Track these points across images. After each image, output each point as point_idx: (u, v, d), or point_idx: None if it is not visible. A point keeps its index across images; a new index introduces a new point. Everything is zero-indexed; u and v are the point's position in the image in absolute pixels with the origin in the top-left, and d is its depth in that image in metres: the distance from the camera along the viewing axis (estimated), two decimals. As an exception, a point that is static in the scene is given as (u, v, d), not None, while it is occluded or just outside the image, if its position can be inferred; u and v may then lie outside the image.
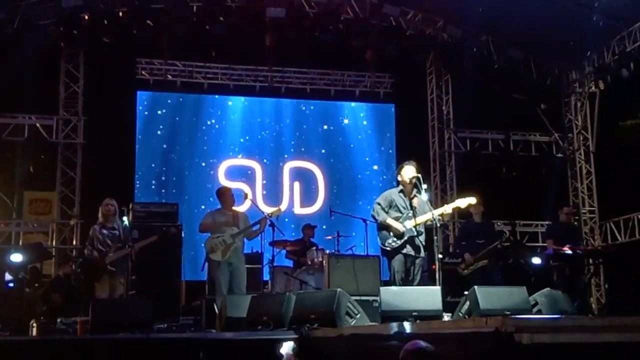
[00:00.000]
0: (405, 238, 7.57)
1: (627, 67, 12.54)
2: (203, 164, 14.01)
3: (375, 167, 14.78)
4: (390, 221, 7.64)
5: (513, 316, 4.69)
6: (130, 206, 10.65)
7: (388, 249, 7.65)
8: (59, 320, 8.76)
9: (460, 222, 12.56)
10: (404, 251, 7.60)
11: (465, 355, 4.04)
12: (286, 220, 12.85)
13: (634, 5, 11.78)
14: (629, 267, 12.20)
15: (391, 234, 7.64)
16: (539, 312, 6.92)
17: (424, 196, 7.81)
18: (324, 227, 12.61)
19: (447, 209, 7.99)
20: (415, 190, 7.80)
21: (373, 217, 7.93)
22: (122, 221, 8.97)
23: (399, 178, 7.88)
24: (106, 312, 7.44)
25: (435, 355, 3.54)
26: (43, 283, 10.93)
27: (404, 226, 7.58)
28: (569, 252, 9.95)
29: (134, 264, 8.66)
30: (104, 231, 8.74)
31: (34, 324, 8.75)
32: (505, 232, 12.68)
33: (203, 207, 12.60)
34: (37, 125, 12.96)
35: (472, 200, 8.01)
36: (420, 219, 7.61)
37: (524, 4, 12.01)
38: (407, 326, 4.78)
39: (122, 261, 8.57)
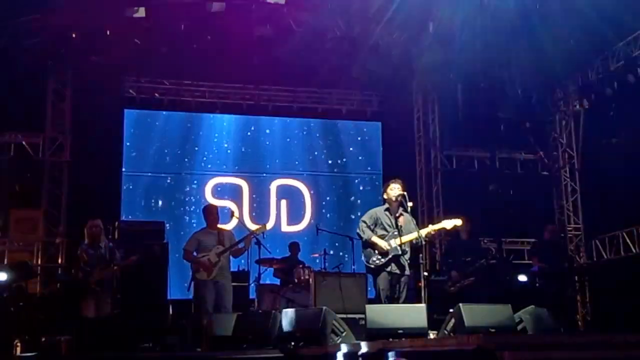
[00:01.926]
0: (390, 256, 7.60)
1: (610, 86, 12.68)
2: (190, 182, 13.99)
3: (362, 186, 14.80)
4: (375, 239, 7.67)
5: (495, 334, 4.72)
6: (117, 224, 10.63)
7: (372, 266, 7.68)
8: (43, 339, 8.71)
9: (447, 240, 12.60)
10: (389, 269, 7.62)
11: (448, 373, 4.06)
12: (277, 236, 12.88)
13: (617, 25, 11.92)
14: (614, 284, 12.27)
15: (375, 251, 7.68)
16: (524, 329, 6.95)
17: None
18: (311, 242, 12.62)
19: (433, 229, 8.05)
20: (401, 209, 7.84)
21: (358, 234, 7.96)
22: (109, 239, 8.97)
23: (385, 196, 7.93)
24: (90, 331, 7.40)
25: None
26: (28, 302, 10.86)
27: (389, 244, 7.61)
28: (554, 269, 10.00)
29: (118, 283, 8.62)
30: (91, 251, 8.73)
31: (18, 343, 8.70)
32: (492, 249, 12.72)
33: (190, 223, 12.59)
34: (24, 143, 12.93)
35: (458, 222, 8.10)
36: (406, 238, 7.65)
37: (510, 24, 12.12)
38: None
39: (108, 280, 8.55)
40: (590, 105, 13.75)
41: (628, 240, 13.21)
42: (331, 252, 11.32)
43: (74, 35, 12.23)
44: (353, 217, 13.63)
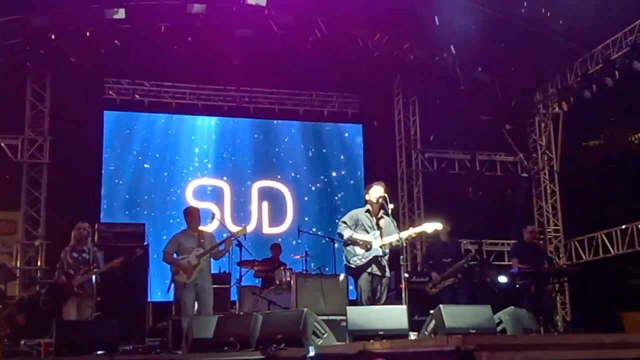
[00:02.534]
0: (371, 257, 7.62)
1: (589, 88, 12.79)
2: (170, 184, 13.95)
3: (343, 188, 14.82)
4: (356, 235, 7.70)
5: (474, 334, 4.75)
6: (96, 226, 10.57)
7: (353, 266, 7.70)
8: (22, 342, 8.66)
9: (427, 242, 12.64)
10: (369, 270, 7.64)
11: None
12: (258, 238, 12.86)
13: (595, 28, 12.05)
14: (593, 285, 12.38)
15: (357, 250, 7.69)
16: (504, 330, 7.00)
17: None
18: (294, 243, 12.62)
19: (413, 232, 8.08)
20: (381, 211, 7.86)
21: (339, 234, 7.96)
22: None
23: (367, 197, 7.94)
24: (70, 333, 7.34)
25: None
26: (7, 305, 10.76)
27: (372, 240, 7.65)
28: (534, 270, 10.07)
29: (99, 285, 8.57)
30: (74, 254, 8.70)
31: (-3, 346, 8.63)
32: (472, 250, 12.79)
33: (171, 224, 12.55)
34: (2, 144, 12.84)
35: (439, 225, 8.18)
36: (387, 239, 7.68)
37: (490, 27, 12.23)
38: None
39: (90, 283, 8.51)
40: (569, 108, 13.87)
41: (607, 242, 13.35)
42: (314, 254, 11.31)
43: (53, 37, 12.17)
44: (335, 219, 13.64)
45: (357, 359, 4.70)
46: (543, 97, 14.88)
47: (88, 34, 12.15)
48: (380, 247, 7.63)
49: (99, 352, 6.64)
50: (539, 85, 14.78)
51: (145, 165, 13.91)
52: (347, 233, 7.77)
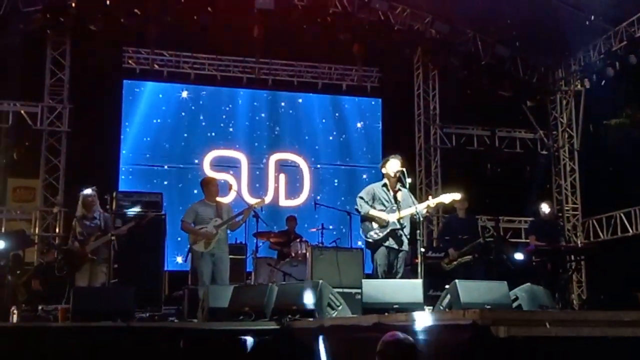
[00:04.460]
0: (388, 230, 7.60)
1: (612, 66, 12.62)
2: (188, 155, 13.97)
3: (361, 161, 14.78)
4: (373, 212, 7.67)
5: (491, 310, 4.74)
6: (114, 195, 10.62)
7: (370, 240, 7.68)
8: (40, 307, 8.75)
9: (444, 217, 12.61)
10: (387, 244, 7.62)
11: (443, 347, 4.07)
12: (275, 210, 12.92)
13: (621, 4, 11.85)
14: (610, 264, 12.31)
15: (374, 225, 7.67)
16: (519, 306, 6.97)
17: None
18: (310, 217, 12.63)
19: (431, 203, 8.00)
20: (399, 184, 7.82)
21: (357, 210, 7.94)
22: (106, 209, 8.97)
23: (384, 171, 7.89)
24: (87, 300, 7.42)
25: (412, 346, 3.56)
26: (25, 270, 10.90)
27: (388, 217, 7.62)
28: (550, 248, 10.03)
29: (116, 252, 8.63)
30: (85, 222, 8.73)
31: (15, 311, 8.74)
32: (489, 227, 12.74)
33: (188, 195, 12.61)
34: (22, 112, 12.89)
35: (457, 196, 8.02)
36: (404, 212, 7.64)
37: (512, 2, 12.07)
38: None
39: (103, 249, 8.55)
40: (591, 86, 13.69)
41: (625, 221, 13.25)
42: (330, 227, 11.32)
43: (73, 4, 12.16)
44: (351, 192, 13.63)
45: (372, 331, 4.70)
46: (565, 74, 14.70)
47: (108, 2, 12.13)
48: (398, 220, 7.60)
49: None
50: (561, 62, 14.59)
51: (164, 135, 13.91)
52: (364, 209, 7.75)
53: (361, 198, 7.85)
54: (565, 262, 10.55)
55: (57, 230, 12.74)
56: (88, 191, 8.82)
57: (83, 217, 8.74)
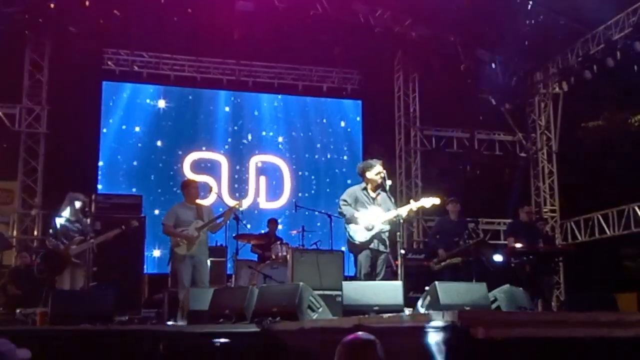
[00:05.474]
0: (374, 232, 7.65)
1: (590, 69, 12.72)
2: (168, 157, 13.91)
3: (341, 164, 14.80)
4: (358, 214, 7.71)
5: (470, 311, 4.76)
6: (93, 197, 10.55)
7: (357, 242, 7.71)
8: (17, 311, 8.65)
9: (437, 219, 12.63)
10: (372, 246, 7.68)
11: (422, 349, 4.08)
12: (255, 212, 12.91)
13: (598, 8, 11.96)
14: (587, 266, 12.43)
15: (359, 228, 7.71)
16: (498, 307, 7.02)
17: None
18: (290, 219, 12.62)
19: (413, 207, 8.06)
20: (379, 188, 7.87)
21: (340, 213, 7.97)
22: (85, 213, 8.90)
23: (368, 176, 7.93)
24: (66, 303, 7.35)
25: (370, 344, 3.39)
26: (2, 274, 10.78)
27: (372, 220, 7.67)
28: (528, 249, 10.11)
29: (95, 256, 8.57)
30: (70, 225, 8.65)
31: (-7, 314, 8.65)
32: (469, 229, 12.83)
33: (168, 197, 12.57)
34: (0, 113, 12.77)
35: (437, 200, 8.13)
36: (388, 214, 7.70)
37: (492, 6, 12.15)
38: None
39: (85, 253, 8.50)
40: (569, 89, 13.82)
41: (603, 223, 13.38)
42: (310, 229, 11.32)
43: (52, 5, 12.07)
44: (332, 194, 13.64)
45: (353, 332, 4.70)
46: (543, 77, 14.81)
47: (87, 3, 12.05)
48: (382, 223, 7.68)
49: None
50: (540, 65, 14.71)
51: (143, 137, 13.84)
52: (348, 212, 7.78)
53: (344, 201, 7.88)
54: (544, 264, 10.62)
55: (35, 232, 12.64)
56: (83, 197, 8.78)
57: (68, 221, 8.67)
